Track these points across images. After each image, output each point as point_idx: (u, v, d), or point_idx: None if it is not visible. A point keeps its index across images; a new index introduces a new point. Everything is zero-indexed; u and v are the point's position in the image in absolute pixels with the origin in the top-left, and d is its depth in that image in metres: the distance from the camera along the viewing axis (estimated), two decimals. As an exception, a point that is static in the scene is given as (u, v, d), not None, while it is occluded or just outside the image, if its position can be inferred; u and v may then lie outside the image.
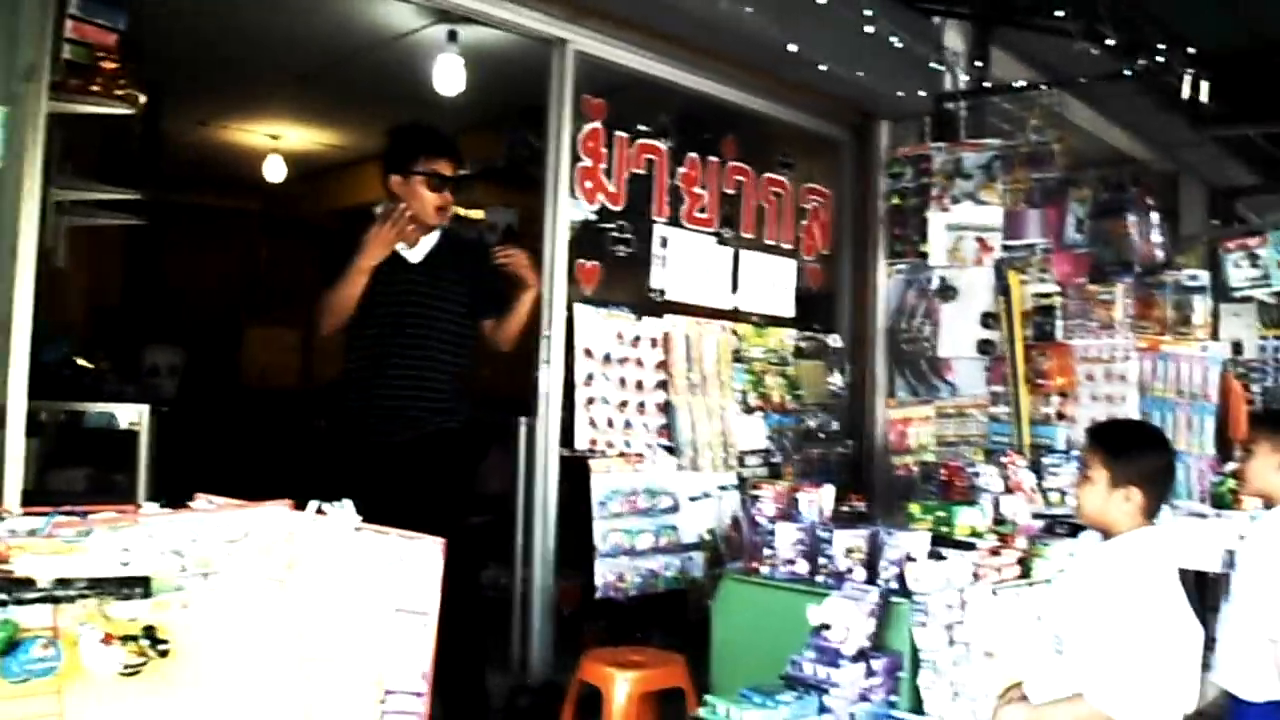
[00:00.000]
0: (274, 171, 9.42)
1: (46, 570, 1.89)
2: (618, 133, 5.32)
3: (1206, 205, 10.25)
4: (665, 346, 5.38)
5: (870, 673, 3.51)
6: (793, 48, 5.40)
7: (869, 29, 5.55)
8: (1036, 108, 6.63)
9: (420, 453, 4.31)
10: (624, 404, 5.15)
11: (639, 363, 5.25)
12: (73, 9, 3.87)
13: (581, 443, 4.97)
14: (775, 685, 3.44)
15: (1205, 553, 5.20)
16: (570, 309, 5.05)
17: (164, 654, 1.98)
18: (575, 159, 5.14)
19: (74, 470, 4.86)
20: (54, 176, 4.26)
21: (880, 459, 6.44)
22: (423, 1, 4.97)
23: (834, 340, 6.45)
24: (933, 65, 6.36)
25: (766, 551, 4.15)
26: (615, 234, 5.33)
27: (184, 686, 2.02)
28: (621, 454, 5.08)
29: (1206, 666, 4.08)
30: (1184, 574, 5.65)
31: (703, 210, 5.71)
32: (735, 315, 5.89)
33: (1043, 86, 6.60)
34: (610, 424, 5.08)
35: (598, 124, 5.23)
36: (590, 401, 5.03)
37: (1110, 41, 5.75)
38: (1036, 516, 5.16)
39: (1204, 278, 6.63)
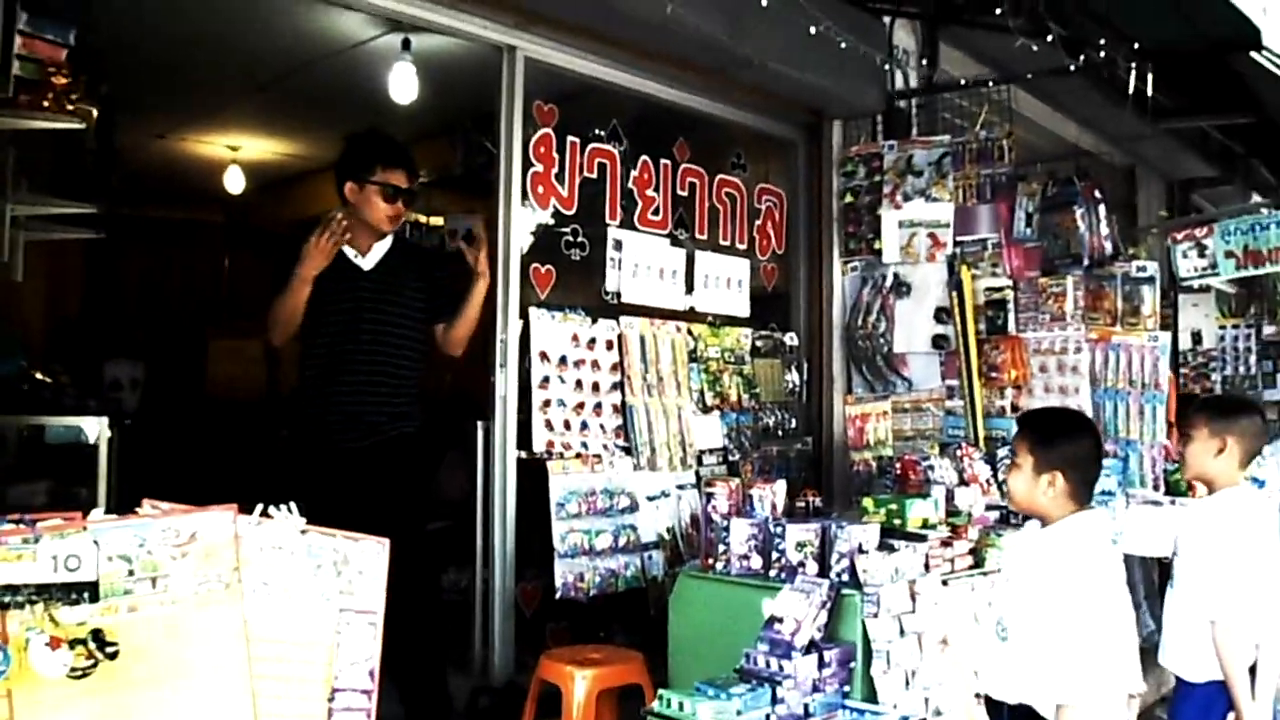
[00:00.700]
0: (234, 183, 9.42)
1: (-6, 577, 1.93)
2: (569, 138, 5.37)
3: (1164, 198, 10.38)
4: (621, 348, 5.42)
5: (823, 664, 3.56)
6: (742, 50, 5.44)
7: (818, 29, 5.59)
8: (986, 104, 6.72)
9: (377, 458, 4.35)
10: (580, 406, 5.20)
11: (595, 365, 5.29)
12: (21, 25, 3.88)
13: (539, 445, 5.01)
14: (729, 679, 3.48)
15: (1159, 539, 5.29)
16: (525, 313, 5.09)
17: (112, 656, 2.02)
18: (527, 165, 5.18)
19: (33, 484, 4.87)
20: (9, 192, 4.29)
21: (839, 455, 6.51)
22: (373, 11, 4.99)
23: (790, 338, 6.51)
24: (882, 64, 6.41)
25: (720, 548, 4.20)
26: (569, 238, 5.38)
27: (133, 688, 2.06)
28: (579, 455, 5.12)
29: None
30: (1146, 561, 5.79)
31: (656, 213, 5.77)
32: (691, 316, 5.93)
33: (991, 83, 6.69)
34: (567, 426, 5.13)
35: (549, 129, 5.28)
36: (547, 404, 5.07)
37: (1051, 38, 5.82)
38: (991, 508, 5.23)
39: (1153, 268, 6.73)
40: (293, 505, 2.28)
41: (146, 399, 8.11)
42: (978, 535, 4.49)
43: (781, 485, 4.44)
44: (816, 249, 6.71)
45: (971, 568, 4.33)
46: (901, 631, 3.84)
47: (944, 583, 4.12)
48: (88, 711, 2.00)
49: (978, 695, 3.71)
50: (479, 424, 4.98)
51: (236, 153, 9.19)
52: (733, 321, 6.19)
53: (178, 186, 9.78)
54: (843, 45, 5.80)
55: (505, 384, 4.99)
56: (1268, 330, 12.39)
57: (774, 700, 3.39)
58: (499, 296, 5.01)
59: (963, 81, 6.77)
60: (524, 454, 5.00)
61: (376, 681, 2.34)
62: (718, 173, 6.20)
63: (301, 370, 4.58)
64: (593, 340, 5.32)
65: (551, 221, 5.36)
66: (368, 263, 4.48)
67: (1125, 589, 3.42)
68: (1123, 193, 9.64)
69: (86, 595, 2.02)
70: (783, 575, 3.97)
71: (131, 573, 2.09)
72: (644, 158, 5.74)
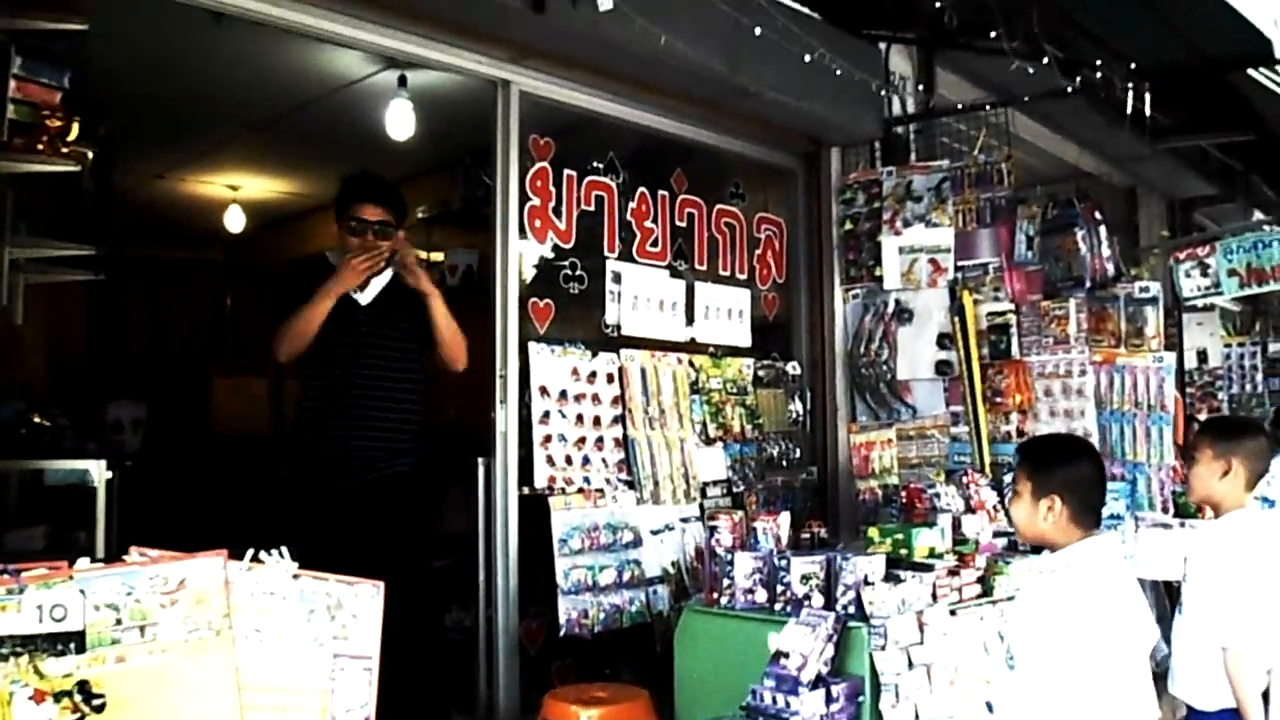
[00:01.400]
0: (234, 221, 9.43)
1: (-24, 630, 1.89)
2: (566, 171, 5.34)
3: (1165, 218, 10.36)
4: (622, 381, 5.39)
5: (830, 699, 3.52)
6: (737, 80, 5.43)
7: (814, 58, 5.58)
8: (984, 127, 6.71)
9: (374, 495, 4.34)
10: (582, 440, 5.16)
11: (596, 399, 5.26)
12: (15, 69, 3.89)
13: (540, 481, 4.97)
14: (736, 716, 3.45)
15: (1169, 562, 5.24)
16: (524, 348, 5.06)
17: (99, 709, 1.98)
18: (524, 198, 5.15)
19: (32, 528, 4.85)
20: (7, 235, 4.27)
21: (844, 484, 6.47)
22: (369, 48, 4.98)
23: (792, 368, 6.48)
24: (879, 90, 6.40)
25: (725, 582, 4.16)
26: (567, 271, 5.36)
27: (122, 740, 2.03)
28: (581, 490, 5.08)
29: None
30: (1158, 585, 5.73)
31: (655, 244, 5.74)
32: (692, 347, 5.90)
33: (989, 106, 6.68)
34: (569, 461, 5.09)
35: (545, 163, 5.25)
36: (548, 439, 5.03)
37: (1048, 60, 5.80)
38: (999, 535, 5.19)
39: (1155, 289, 6.68)
40: (284, 550, 2.25)
41: (148, 439, 8.08)
42: (985, 563, 4.45)
43: (785, 517, 4.40)
44: (817, 277, 6.69)
45: (979, 596, 4.29)
46: (910, 664, 3.80)
47: (952, 613, 4.08)
48: (74, 766, 1.97)
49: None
50: (480, 460, 4.94)
51: (236, 192, 9.20)
52: (734, 352, 6.16)
53: (178, 226, 9.80)
54: (839, 73, 5.78)
55: (506, 420, 4.95)
56: (1274, 348, 12.37)
57: (781, 737, 3.36)
58: (498, 332, 5.00)
59: (960, 106, 6.76)
60: (526, 490, 4.96)
61: (373, 725, 2.31)
62: (716, 203, 6.18)
63: (300, 405, 4.59)
64: (593, 374, 5.29)
65: (550, 255, 5.34)
66: (365, 297, 4.49)
67: (1145, 610, 3.37)
68: (1124, 213, 9.62)
69: (73, 646, 1.99)
70: (788, 609, 3.94)
71: (119, 622, 2.06)
72: (642, 189, 5.72)
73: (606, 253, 5.52)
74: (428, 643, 4.39)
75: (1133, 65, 6.14)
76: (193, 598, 2.13)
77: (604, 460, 5.23)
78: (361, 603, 2.33)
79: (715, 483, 5.75)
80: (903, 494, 5.60)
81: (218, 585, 2.15)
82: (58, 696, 1.94)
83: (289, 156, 8.32)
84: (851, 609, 3.84)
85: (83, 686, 1.97)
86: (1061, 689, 3.06)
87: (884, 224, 6.50)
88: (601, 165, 5.58)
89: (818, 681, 3.51)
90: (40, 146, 4.03)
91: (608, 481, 5.19)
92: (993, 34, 5.64)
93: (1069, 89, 6.16)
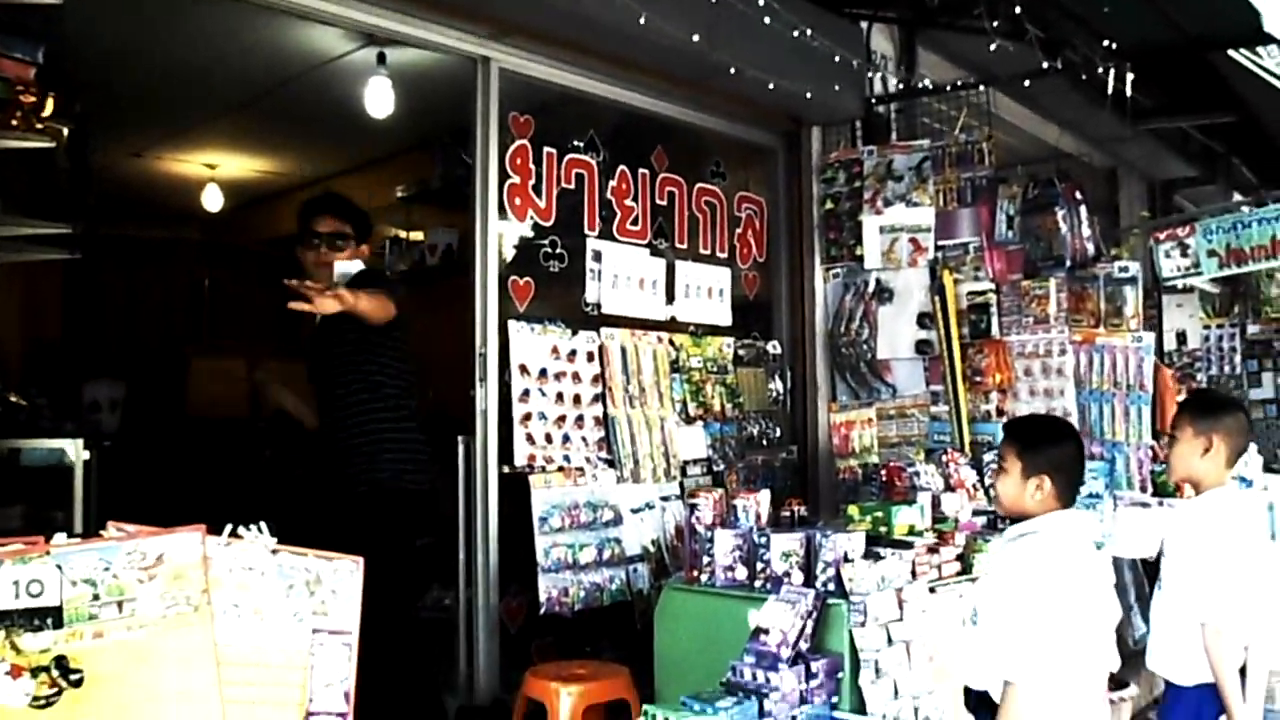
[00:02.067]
0: (212, 200, 9.37)
1: (-49, 605, 1.88)
2: (546, 148, 5.33)
3: (1146, 199, 10.39)
4: (602, 360, 5.38)
5: (810, 675, 3.53)
6: (718, 58, 5.40)
7: (794, 36, 5.57)
8: (965, 107, 6.71)
9: (365, 511, 4.37)
10: (562, 419, 5.15)
11: (576, 377, 5.25)
12: (-12, 44, 3.86)
13: (521, 459, 4.97)
14: (715, 692, 3.44)
15: (1147, 541, 5.26)
16: (504, 326, 5.05)
17: (77, 684, 1.98)
18: (504, 176, 5.14)
19: (9, 508, 4.82)
20: (-22, 212, 4.24)
21: (824, 463, 6.48)
22: (348, 25, 4.95)
23: (773, 347, 6.49)
24: (860, 69, 6.39)
25: (705, 559, 4.16)
26: (547, 249, 5.34)
27: (99, 716, 2.02)
28: (561, 469, 5.08)
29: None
30: (1136, 564, 5.76)
31: (635, 223, 5.73)
32: (672, 326, 5.90)
33: (969, 86, 6.68)
34: (549, 439, 5.08)
35: (525, 141, 5.24)
36: (528, 418, 5.02)
37: (1028, 40, 5.80)
38: (978, 514, 5.20)
39: (1135, 269, 6.71)
40: (263, 525, 2.23)
41: (126, 420, 8.04)
42: (965, 541, 4.47)
43: (765, 495, 4.40)
44: (798, 256, 6.68)
45: (959, 574, 4.31)
46: (889, 640, 3.81)
47: (931, 590, 4.10)
48: (53, 741, 1.96)
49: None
50: (460, 439, 4.92)
51: (214, 170, 9.14)
52: (715, 331, 6.16)
53: (155, 205, 9.72)
54: (820, 51, 5.78)
55: (485, 398, 4.94)
56: (1252, 329, 12.42)
57: (761, 713, 3.36)
58: (477, 310, 4.98)
59: (942, 85, 6.76)
60: (506, 468, 4.95)
61: (352, 704, 2.30)
62: (697, 181, 6.17)
63: None
64: (573, 352, 5.27)
65: (530, 233, 5.32)
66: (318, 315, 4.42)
67: (1108, 588, 3.43)
68: (1104, 194, 9.65)
69: (50, 621, 1.98)
70: (768, 586, 3.94)
71: (97, 597, 2.05)
72: (622, 167, 5.71)
73: (587, 231, 5.51)
74: (411, 622, 4.38)
75: (1113, 45, 6.13)
76: (171, 573, 2.12)
77: (584, 439, 5.22)
78: (340, 578, 2.32)
79: (695, 461, 5.75)
80: (882, 473, 5.62)
81: (196, 560, 2.14)
82: (35, 671, 1.93)
83: (267, 135, 8.27)
84: (831, 586, 3.85)
85: (60, 661, 1.96)
86: (1005, 636, 3.15)
87: (865, 203, 6.51)
88: (582, 143, 5.57)
89: (797, 658, 3.51)
90: (14, 122, 3.99)
91: (588, 460, 5.19)
92: (974, 13, 5.63)
93: (1049, 68, 6.15)
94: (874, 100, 6.69)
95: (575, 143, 5.53)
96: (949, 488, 5.41)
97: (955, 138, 6.57)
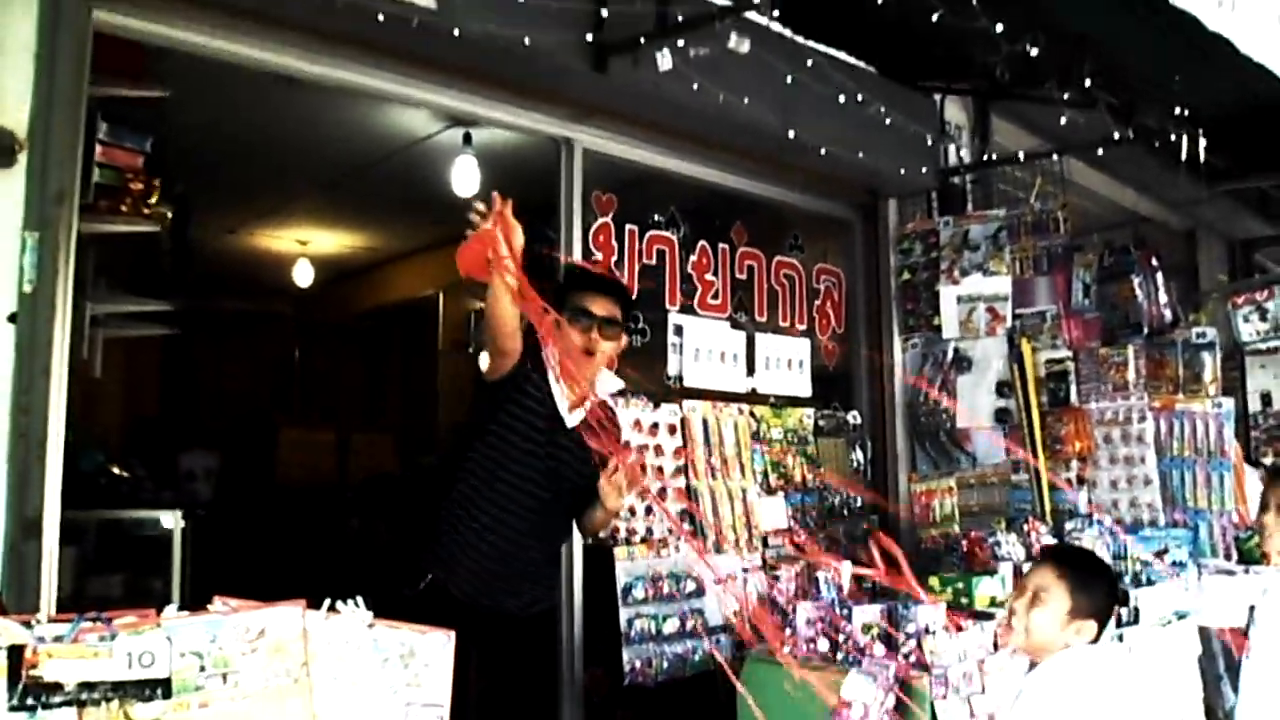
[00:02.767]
0: (303, 276, 9.62)
1: (72, 674, 1.99)
2: (628, 225, 5.46)
3: (1226, 259, 10.30)
4: (684, 432, 5.46)
5: (892, 747, 3.55)
6: (795, 135, 5.50)
7: (869, 111, 5.67)
8: (1040, 175, 6.75)
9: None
10: (645, 490, 5.21)
11: (659, 449, 5.33)
12: (101, 134, 4.06)
13: (605, 531, 5.03)
14: (798, 763, 3.48)
15: (1234, 609, 5.20)
16: (588, 400, 5.12)
17: (186, 753, 2.07)
18: (588, 254, 5.26)
19: (111, 576, 4.99)
20: (88, 291, 4.43)
21: (905, 533, 6.47)
22: (436, 107, 5.11)
23: (853, 417, 6.51)
24: (935, 141, 6.46)
25: (787, 631, 4.20)
26: (630, 324, 5.43)
27: (205, 785, 2.11)
28: (644, 540, 5.14)
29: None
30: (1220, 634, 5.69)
31: (715, 296, 5.83)
32: (753, 397, 5.96)
33: (1045, 155, 6.72)
34: (632, 511, 5.15)
35: (608, 219, 5.37)
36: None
37: (1100, 107, 5.84)
38: (1061, 583, 5.17)
39: (1212, 334, 6.67)
40: (359, 599, 2.33)
41: (220, 489, 8.25)
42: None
43: (847, 566, 4.42)
44: (876, 327, 6.73)
45: (1041, 645, 4.30)
46: (971, 713, 3.82)
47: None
48: (164, 808, 2.05)
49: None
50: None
51: (305, 247, 9.40)
52: (795, 402, 6.20)
53: (249, 280, 10.01)
54: (894, 125, 5.86)
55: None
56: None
57: (844, 784, 3.39)
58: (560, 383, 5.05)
59: (1016, 154, 6.80)
60: (590, 540, 5.01)
61: (443, 773, 2.38)
62: (775, 254, 6.26)
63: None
64: (655, 425, 5.35)
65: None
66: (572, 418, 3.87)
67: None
68: (1183, 256, 9.58)
69: (160, 692, 2.07)
70: (850, 658, 3.97)
71: (203, 669, 2.14)
72: (702, 242, 5.81)
73: (668, 305, 5.60)
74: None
75: (1185, 110, 6.15)
76: (272, 645, 2.21)
77: (667, 510, 5.28)
78: (433, 651, 2.41)
79: (777, 532, 5.78)
80: (964, 542, 5.61)
81: (296, 634, 2.24)
82: (147, 741, 2.03)
83: (357, 211, 8.50)
84: (913, 658, 3.87)
85: (170, 731, 2.05)
86: None
87: (941, 273, 6.55)
88: (663, 219, 5.68)
89: (880, 730, 3.54)
90: (124, 208, 4.21)
91: (670, 531, 5.25)
92: (1045, 85, 5.68)
93: (1122, 136, 6.19)
94: (948, 171, 6.74)
95: (656, 219, 5.65)
96: (1030, 558, 5.39)
97: (1030, 206, 6.61)
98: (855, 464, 6.44)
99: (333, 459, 9.95)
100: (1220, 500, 6.42)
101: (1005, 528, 5.79)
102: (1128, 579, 5.59)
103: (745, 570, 5.43)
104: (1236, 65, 5.72)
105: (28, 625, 2.02)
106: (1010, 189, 6.98)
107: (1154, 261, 6.77)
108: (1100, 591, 3.23)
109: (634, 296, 5.26)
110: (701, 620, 5.16)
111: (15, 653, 1.96)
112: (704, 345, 5.69)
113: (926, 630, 3.90)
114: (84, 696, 1.99)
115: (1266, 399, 10.57)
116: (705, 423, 5.54)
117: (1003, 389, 6.39)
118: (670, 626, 5.02)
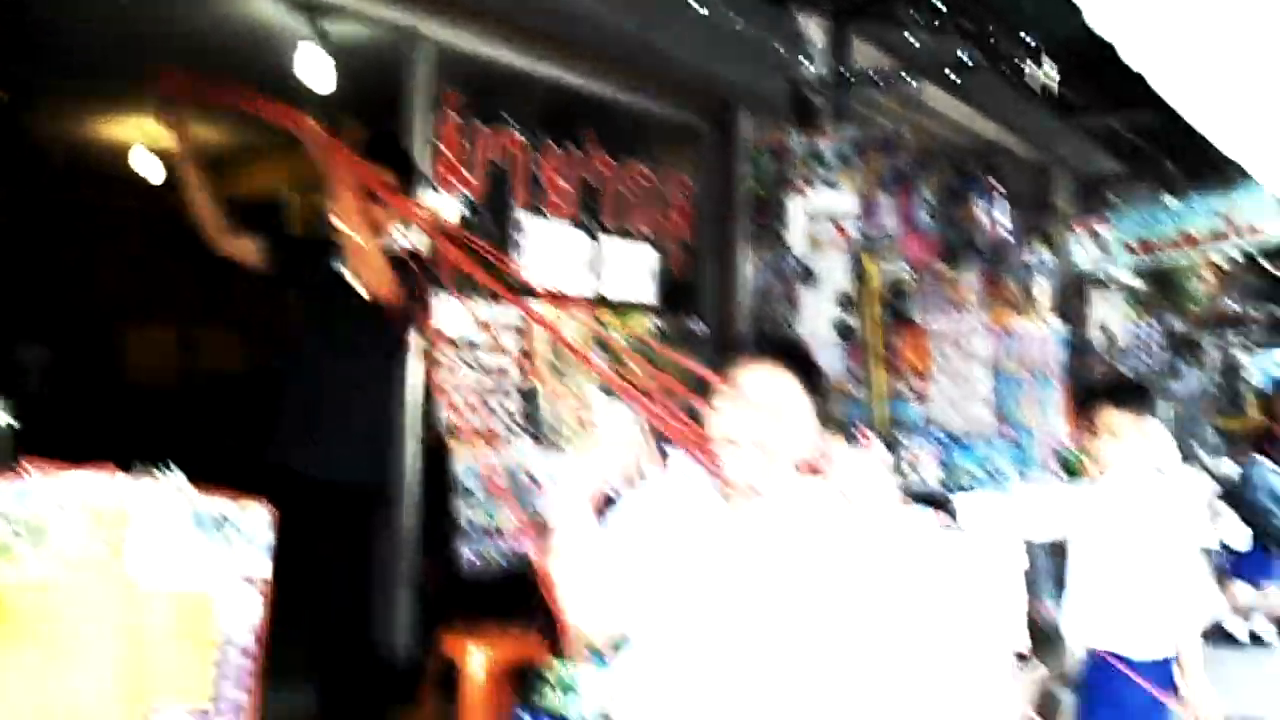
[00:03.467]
0: (146, 168, 9.31)
1: None
2: (476, 124, 5.41)
3: (1079, 195, 10.58)
4: (526, 333, 5.47)
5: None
6: (650, 41, 5.49)
7: (726, 21, 5.67)
8: (893, 97, 6.86)
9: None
10: (485, 387, 5.23)
11: (499, 348, 5.33)
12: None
13: (441, 425, 5.04)
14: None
15: (1056, 521, 5.42)
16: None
17: (-9, 613, 2.05)
18: (433, 151, 5.21)
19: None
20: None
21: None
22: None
23: (699, 326, 6.58)
24: (790, 56, 6.50)
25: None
26: (473, 221, 5.41)
27: (17, 649, 2.09)
28: (482, 436, 5.15)
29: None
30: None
31: (563, 199, 5.82)
32: (597, 302, 5.99)
33: (898, 77, 6.82)
34: (471, 407, 5.16)
35: (456, 116, 5.31)
36: (450, 386, 5.09)
37: (956, 33, 5.94)
38: (889, 489, 5.33)
39: (1049, 259, 6.91)
40: (173, 465, 2.32)
41: (54, 387, 8.02)
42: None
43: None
44: (724, 237, 6.78)
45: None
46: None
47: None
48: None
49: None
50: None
51: (147, 138, 9.08)
52: (640, 309, 6.24)
53: (85, 171, 9.66)
54: (751, 37, 5.88)
55: (408, 365, 4.99)
56: (1175, 324, 12.75)
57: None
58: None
59: (870, 74, 6.88)
60: (427, 434, 5.02)
61: (261, 642, 2.39)
62: (625, 160, 6.26)
63: None
64: (497, 324, 5.34)
65: (456, 207, 5.38)
66: None
67: None
68: (1035, 189, 9.79)
69: (-34, 554, 2.05)
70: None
71: (17, 533, 2.12)
72: (551, 144, 5.79)
73: (514, 206, 5.58)
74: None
75: (1038, 42, 6.29)
76: (85, 509, 2.19)
77: (505, 408, 5.30)
78: (251, 522, 2.41)
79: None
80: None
81: (109, 498, 2.22)
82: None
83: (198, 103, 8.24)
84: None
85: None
86: None
87: (791, 188, 6.62)
88: (512, 119, 5.63)
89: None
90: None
91: (508, 428, 5.27)
92: (901, 6, 5.75)
93: (975, 62, 6.31)
94: (803, 86, 6.79)
95: (506, 119, 5.60)
96: (862, 464, 5.55)
97: (881, 125, 6.72)
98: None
99: (176, 358, 9.74)
100: (1047, 416, 6.69)
101: (840, 435, 5.94)
102: (956, 490, 5.79)
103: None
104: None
105: None
106: (863, 109, 7.07)
107: (997, 185, 6.96)
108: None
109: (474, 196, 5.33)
110: (539, 516, 5.20)
111: None
112: (549, 247, 5.68)
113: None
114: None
115: (1108, 332, 10.99)
116: (547, 324, 5.54)
117: (845, 304, 6.52)
118: (507, 521, 5.06)
